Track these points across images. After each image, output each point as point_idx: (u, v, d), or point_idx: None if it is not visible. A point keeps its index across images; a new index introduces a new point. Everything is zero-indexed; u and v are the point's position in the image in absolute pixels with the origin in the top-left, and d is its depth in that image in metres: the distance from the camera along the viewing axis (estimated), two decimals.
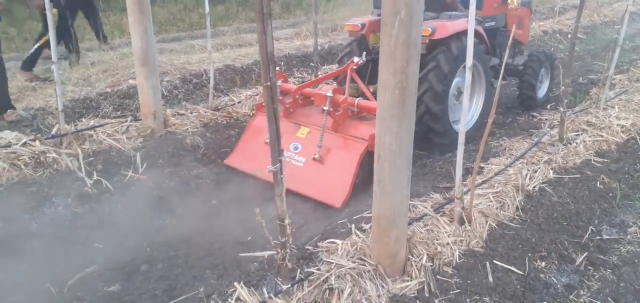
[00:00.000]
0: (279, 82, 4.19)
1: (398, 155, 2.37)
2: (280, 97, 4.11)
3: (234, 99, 5.82)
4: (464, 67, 2.85)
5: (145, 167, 4.12)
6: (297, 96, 4.30)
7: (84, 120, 4.84)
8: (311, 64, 6.39)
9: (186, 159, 4.39)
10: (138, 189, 3.88)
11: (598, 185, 3.67)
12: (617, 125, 4.55)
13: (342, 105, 4.00)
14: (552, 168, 3.79)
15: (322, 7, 12.71)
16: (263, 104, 4.23)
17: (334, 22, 10.78)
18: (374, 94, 4.20)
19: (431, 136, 4.37)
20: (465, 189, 3.22)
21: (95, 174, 3.92)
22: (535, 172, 3.71)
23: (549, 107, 5.72)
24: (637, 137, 4.45)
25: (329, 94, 3.96)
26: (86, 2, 7.67)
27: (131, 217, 3.59)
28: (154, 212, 3.69)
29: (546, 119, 5.06)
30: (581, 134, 4.44)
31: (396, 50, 2.19)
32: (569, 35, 7.92)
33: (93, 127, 4.57)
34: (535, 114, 5.28)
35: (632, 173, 3.94)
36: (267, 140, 3.47)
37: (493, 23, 5.06)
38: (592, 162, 4.01)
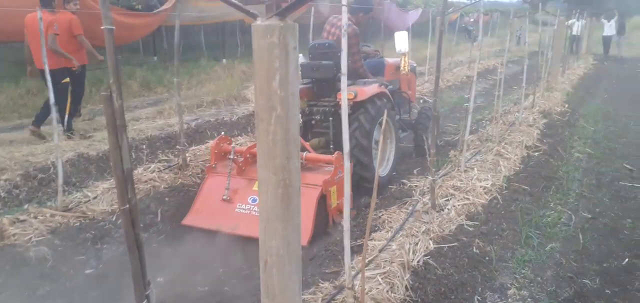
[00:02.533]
0: (233, 144, 4.96)
1: (287, 261, 2.13)
2: (234, 157, 4.73)
3: (89, 194, 5.12)
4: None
5: None
6: (248, 155, 4.84)
7: None
8: (177, 146, 5.98)
9: (29, 276, 3.67)
10: None
11: (474, 250, 3.79)
12: (480, 186, 4.84)
13: None
14: (431, 239, 3.84)
15: (185, 83, 12.34)
16: (212, 165, 4.82)
17: (200, 98, 10.45)
18: (314, 148, 5.15)
19: (362, 183, 5.04)
20: (353, 272, 3.07)
21: None
22: (417, 244, 3.71)
23: (415, 171, 5.97)
24: (498, 197, 4.77)
25: None
26: None
27: None
28: None
29: (416, 186, 5.23)
30: (450, 198, 4.64)
31: (275, 147, 1.99)
32: (421, 101, 8.56)
33: None
34: (405, 181, 5.44)
35: (500, 233, 4.15)
36: (225, 197, 4.49)
37: (391, 86, 5.94)
38: (465, 226, 4.16)
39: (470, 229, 4.14)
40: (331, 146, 5.31)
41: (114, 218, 4.66)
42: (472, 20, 29.33)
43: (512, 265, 3.78)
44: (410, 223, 4.16)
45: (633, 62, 20.71)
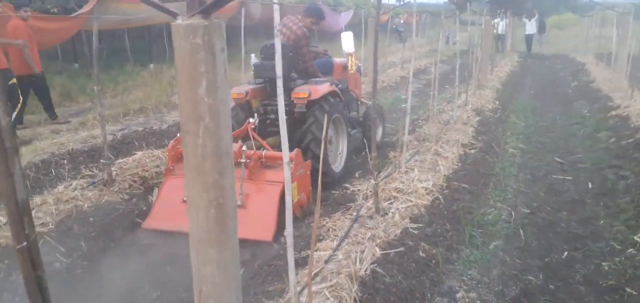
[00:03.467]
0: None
1: (225, 288, 1.87)
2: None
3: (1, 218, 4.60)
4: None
5: None
6: None
7: None
8: (102, 160, 5.50)
9: None
10: None
11: (421, 254, 3.69)
12: (421, 187, 4.78)
13: (254, 157, 4.62)
14: (377, 245, 3.69)
15: (110, 91, 11.62)
16: (170, 168, 4.81)
17: (126, 107, 9.84)
18: (271, 146, 5.17)
19: (316, 176, 4.93)
20: (299, 288, 2.87)
21: None
22: (363, 252, 3.55)
23: (356, 175, 5.85)
24: (440, 197, 4.73)
25: (244, 148, 4.55)
26: None
27: None
28: None
29: (358, 190, 5.11)
30: (394, 201, 4.54)
31: (205, 162, 1.74)
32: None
33: None
34: (347, 185, 5.31)
35: (444, 234, 4.09)
36: (185, 199, 4.33)
37: (340, 85, 6.04)
38: (410, 230, 4.06)
39: (415, 232, 4.04)
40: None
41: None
42: (402, 21, 29.99)
43: (459, 267, 3.72)
44: (356, 229, 4.01)
45: (554, 59, 21.92)
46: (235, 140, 5.02)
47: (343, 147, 5.86)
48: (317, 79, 5.72)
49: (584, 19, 21.92)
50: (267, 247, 4.13)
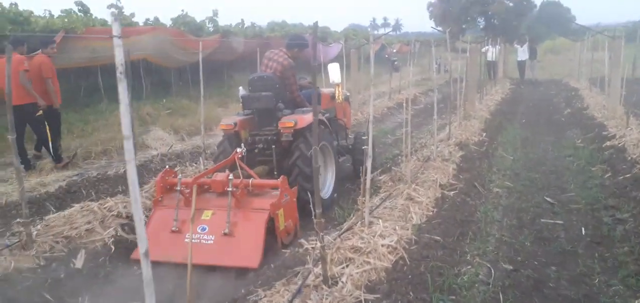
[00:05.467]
0: (180, 176, 4.95)
1: None
2: (181, 188, 4.81)
3: None
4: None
5: None
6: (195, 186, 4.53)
7: None
8: (18, 219, 4.76)
9: None
10: None
11: None
12: (384, 245, 4.06)
13: (241, 186, 4.74)
14: None
15: (78, 131, 10.95)
16: (158, 199, 4.92)
17: (88, 148, 9.15)
18: (259, 175, 5.30)
19: (306, 206, 4.87)
20: None
21: None
22: None
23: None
24: (405, 256, 4.01)
25: (231, 177, 4.69)
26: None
27: None
28: None
29: (313, 248, 4.38)
30: (348, 265, 3.81)
31: None
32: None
33: None
34: (303, 242, 4.58)
35: None
36: (174, 228, 4.61)
37: (328, 114, 6.34)
38: (363, 302, 3.34)
39: None
40: (275, 172, 5.57)
41: None
42: (394, 50, 29.60)
43: None
44: None
45: (547, 85, 21.42)
46: (222, 170, 5.17)
47: (331, 174, 6.06)
48: (304, 108, 5.84)
49: (576, 43, 21.42)
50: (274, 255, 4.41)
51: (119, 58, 1.59)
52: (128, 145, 1.67)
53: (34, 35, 8.82)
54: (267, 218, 4.52)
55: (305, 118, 5.39)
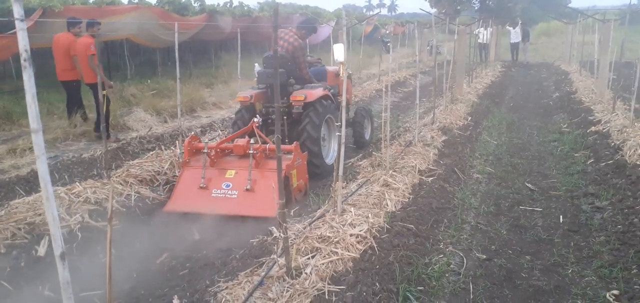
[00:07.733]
0: (206, 140, 5.88)
1: None
2: (207, 151, 5.51)
3: None
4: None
5: None
6: (219, 150, 5.65)
7: None
8: None
9: None
10: None
11: None
12: (351, 235, 3.94)
13: (260, 149, 5.38)
14: None
15: (60, 112, 10.73)
16: (186, 160, 5.62)
17: (66, 130, 8.95)
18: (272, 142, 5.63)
19: (312, 169, 5.99)
20: None
21: None
22: None
23: (292, 213, 5.04)
24: (374, 245, 3.89)
25: (252, 142, 5.54)
26: None
27: None
28: None
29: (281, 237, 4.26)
30: (314, 255, 3.70)
31: None
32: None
33: None
34: (272, 230, 4.45)
35: (370, 299, 3.26)
36: (201, 185, 5.34)
37: (332, 90, 6.88)
38: (325, 296, 3.23)
39: (333, 298, 3.22)
40: (286, 140, 6.13)
41: None
42: (387, 31, 29.31)
43: None
44: (257, 299, 3.18)
45: (538, 68, 21.29)
46: (242, 136, 5.85)
47: (334, 143, 6.74)
48: (313, 84, 6.51)
49: (568, 26, 21.24)
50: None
51: (23, 44, 1.44)
52: (37, 140, 1.53)
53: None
54: (283, 176, 4.77)
55: (314, 93, 6.14)
